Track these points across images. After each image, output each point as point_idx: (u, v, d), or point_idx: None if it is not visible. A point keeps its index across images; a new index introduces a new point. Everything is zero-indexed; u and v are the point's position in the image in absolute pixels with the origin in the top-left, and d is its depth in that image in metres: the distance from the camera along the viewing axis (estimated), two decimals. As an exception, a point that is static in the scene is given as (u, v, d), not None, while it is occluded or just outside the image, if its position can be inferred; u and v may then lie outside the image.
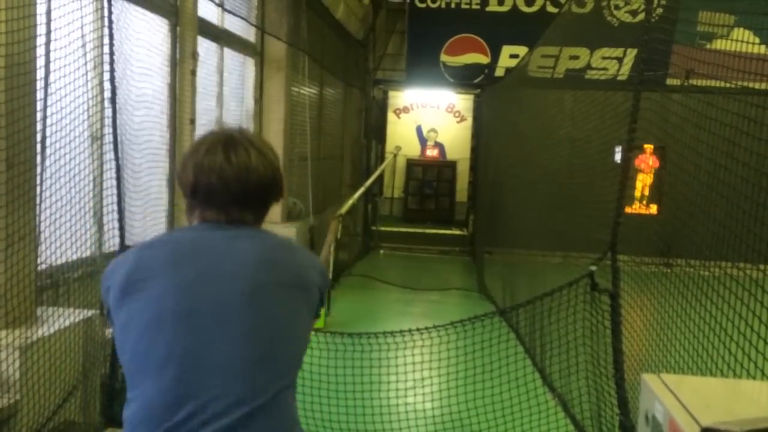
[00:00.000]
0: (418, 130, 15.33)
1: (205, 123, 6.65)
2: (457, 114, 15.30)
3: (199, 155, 1.69)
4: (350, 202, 9.63)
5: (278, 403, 1.58)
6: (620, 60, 6.72)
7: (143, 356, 1.57)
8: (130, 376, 1.60)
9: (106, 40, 4.02)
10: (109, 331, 4.20)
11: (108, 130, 4.23)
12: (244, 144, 1.70)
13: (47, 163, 3.82)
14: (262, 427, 1.54)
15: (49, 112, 3.76)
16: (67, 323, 3.77)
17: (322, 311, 6.86)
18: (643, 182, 9.71)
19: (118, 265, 1.68)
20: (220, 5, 6.72)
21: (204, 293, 1.59)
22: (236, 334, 1.57)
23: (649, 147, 8.36)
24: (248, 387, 1.54)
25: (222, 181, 1.67)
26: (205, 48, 6.53)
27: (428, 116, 15.33)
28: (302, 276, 1.70)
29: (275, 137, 8.36)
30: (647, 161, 9.47)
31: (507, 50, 12.98)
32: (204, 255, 1.65)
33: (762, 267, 2.59)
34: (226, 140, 1.71)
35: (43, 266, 3.91)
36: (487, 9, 13.25)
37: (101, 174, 4.62)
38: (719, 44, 3.10)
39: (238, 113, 7.70)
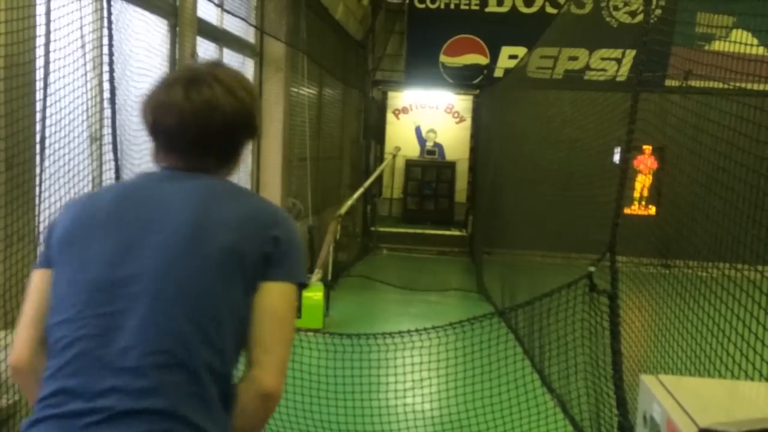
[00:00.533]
0: (417, 130, 15.33)
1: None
2: (456, 115, 15.31)
3: (160, 93, 1.58)
4: (349, 202, 9.64)
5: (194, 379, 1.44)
6: (619, 61, 6.72)
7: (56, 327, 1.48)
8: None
9: (106, 41, 4.02)
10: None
11: (107, 130, 4.23)
12: (209, 81, 1.56)
13: (46, 163, 3.82)
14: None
15: (48, 113, 3.76)
16: (66, 324, 3.77)
17: (320, 310, 6.89)
18: (642, 183, 9.72)
19: (65, 211, 1.62)
20: (220, 6, 6.72)
21: (126, 263, 1.47)
22: (148, 311, 1.44)
23: (647, 148, 8.39)
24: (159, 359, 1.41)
25: (180, 122, 1.54)
26: (205, 48, 6.53)
27: (427, 117, 15.33)
28: (236, 238, 1.50)
29: (274, 138, 8.36)
30: (646, 162, 9.48)
31: (506, 51, 12.99)
32: (137, 218, 1.52)
33: (760, 268, 2.59)
34: (189, 77, 1.58)
35: (42, 267, 3.91)
36: (486, 10, 13.26)
37: (100, 174, 4.62)
38: (718, 46, 3.10)
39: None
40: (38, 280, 1.58)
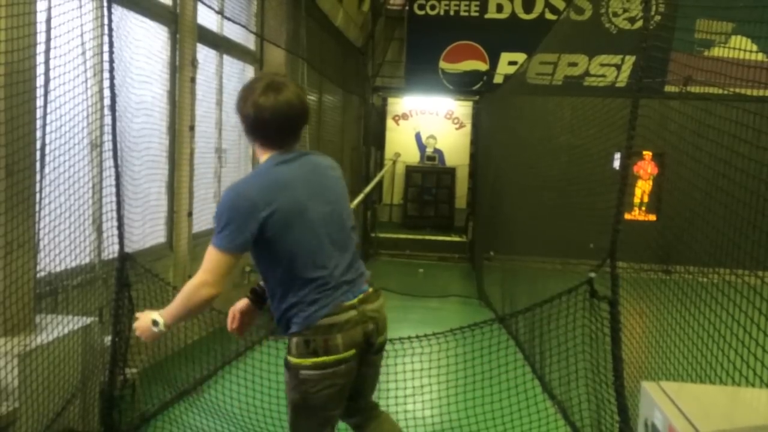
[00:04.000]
0: (417, 136, 15.35)
1: (204, 130, 6.66)
2: (456, 120, 15.33)
3: (256, 94, 2.64)
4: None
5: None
6: (618, 67, 6.74)
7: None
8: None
9: (106, 48, 4.03)
10: (107, 339, 4.19)
11: (107, 137, 4.23)
12: (288, 85, 2.68)
13: (47, 170, 3.82)
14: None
15: (48, 119, 3.76)
16: (66, 331, 3.76)
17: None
18: (642, 189, 9.72)
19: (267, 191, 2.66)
20: (220, 13, 6.74)
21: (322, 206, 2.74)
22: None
23: (647, 154, 8.39)
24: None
25: (298, 114, 2.67)
26: (205, 55, 6.54)
27: (427, 123, 15.35)
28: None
29: (274, 144, 8.35)
30: (646, 168, 9.49)
31: (505, 57, 13.02)
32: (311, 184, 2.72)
33: (760, 274, 2.59)
34: (275, 84, 2.66)
35: (42, 273, 3.91)
36: (486, 16, 13.29)
37: (101, 181, 4.62)
38: (717, 52, 3.11)
39: (237, 120, 7.70)
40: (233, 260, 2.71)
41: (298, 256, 2.61)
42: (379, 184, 13.20)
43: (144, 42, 5.22)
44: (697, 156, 3.11)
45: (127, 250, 4.28)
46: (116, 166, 4.14)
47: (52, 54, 3.80)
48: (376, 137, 14.43)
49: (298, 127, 2.71)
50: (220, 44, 7.02)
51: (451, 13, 13.39)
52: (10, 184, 3.40)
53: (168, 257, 5.90)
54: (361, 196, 10.38)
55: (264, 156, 2.69)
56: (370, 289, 2.80)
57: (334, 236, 2.71)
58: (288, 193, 2.61)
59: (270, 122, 2.61)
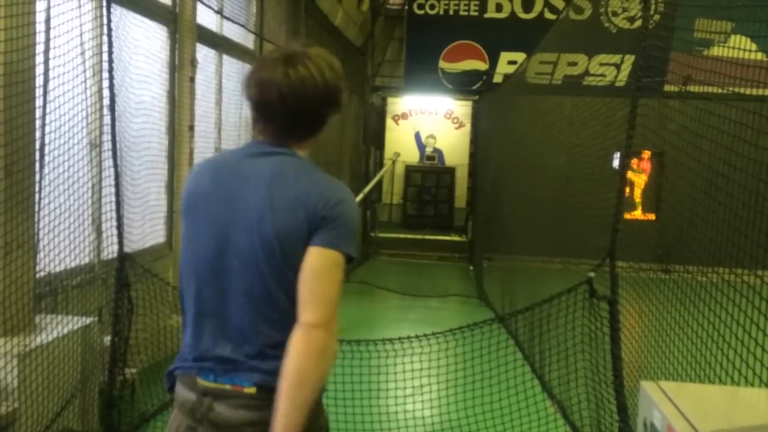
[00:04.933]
0: (417, 136, 15.35)
1: (203, 130, 6.66)
2: (455, 120, 15.32)
3: (262, 71, 1.88)
4: (349, 208, 9.62)
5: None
6: (618, 66, 6.74)
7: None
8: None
9: (105, 47, 4.03)
10: (107, 339, 4.19)
11: (107, 137, 4.23)
12: (303, 60, 1.85)
13: (46, 170, 3.82)
14: None
15: (48, 120, 3.76)
16: (65, 331, 3.76)
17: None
18: (641, 188, 9.72)
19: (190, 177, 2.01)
20: (219, 12, 6.74)
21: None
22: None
23: (646, 153, 8.39)
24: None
25: (280, 96, 1.83)
26: (204, 55, 6.54)
27: (427, 122, 15.35)
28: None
29: (274, 144, 8.36)
30: (645, 167, 9.49)
31: (505, 57, 13.01)
32: (225, 197, 1.87)
33: (760, 273, 2.59)
34: (287, 56, 1.87)
35: (42, 273, 3.91)
36: (486, 16, 13.29)
37: (100, 181, 4.62)
38: (717, 51, 3.11)
39: (237, 120, 7.71)
40: None
41: None
42: (379, 183, 13.20)
43: (143, 42, 5.22)
44: (696, 155, 3.11)
45: (127, 250, 4.28)
46: (115, 165, 4.14)
47: (51, 54, 3.80)
48: (376, 137, 14.42)
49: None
50: (220, 44, 7.02)
51: (451, 12, 13.39)
52: (10, 184, 3.40)
53: (167, 257, 5.90)
54: (360, 196, 10.38)
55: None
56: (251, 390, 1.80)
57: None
58: None
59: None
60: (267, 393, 1.75)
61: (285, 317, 1.78)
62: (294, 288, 1.78)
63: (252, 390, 1.79)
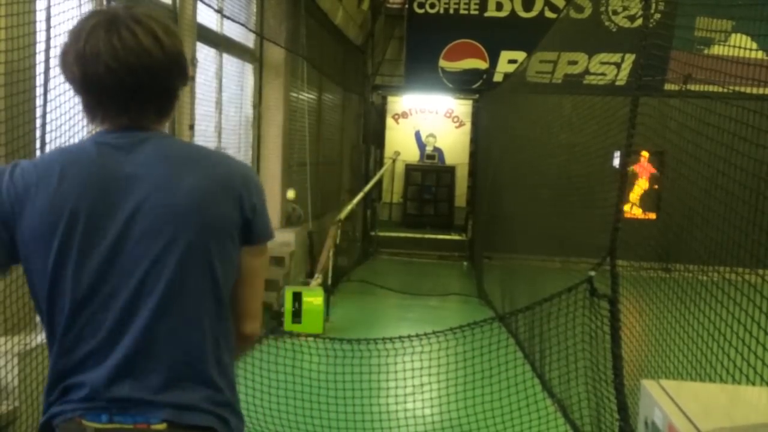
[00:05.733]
0: (417, 135, 15.35)
1: (204, 129, 6.65)
2: (455, 119, 15.32)
3: (80, 42, 1.45)
4: (349, 207, 9.64)
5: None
6: (618, 65, 6.74)
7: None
8: None
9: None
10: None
11: (107, 136, 4.23)
12: (128, 23, 1.45)
13: (46, 169, 3.81)
14: None
15: (48, 118, 3.76)
16: (66, 329, 3.76)
17: (320, 315, 6.88)
18: (641, 187, 9.72)
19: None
20: (219, 11, 6.73)
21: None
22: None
23: (645, 154, 8.40)
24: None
25: (108, 69, 1.43)
26: (204, 54, 6.54)
27: (427, 121, 15.35)
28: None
29: (274, 143, 8.37)
30: (646, 166, 9.49)
31: (505, 56, 13.01)
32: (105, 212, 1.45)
33: (760, 272, 2.59)
34: (107, 21, 1.45)
35: (42, 272, 3.90)
36: (486, 15, 13.28)
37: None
38: (717, 50, 3.11)
39: (237, 119, 7.71)
40: None
41: None
42: (379, 182, 13.20)
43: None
44: (696, 154, 3.11)
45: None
46: (116, 165, 4.13)
47: (51, 53, 3.80)
48: (376, 136, 14.42)
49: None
50: (220, 43, 7.02)
51: (451, 11, 13.38)
52: (10, 183, 3.40)
53: (168, 256, 5.89)
54: (360, 195, 10.38)
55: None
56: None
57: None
58: None
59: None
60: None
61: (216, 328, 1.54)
62: (220, 293, 1.52)
63: (161, 427, 1.45)
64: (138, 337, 1.44)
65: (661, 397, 2.11)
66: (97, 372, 1.44)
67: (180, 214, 1.46)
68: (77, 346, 1.46)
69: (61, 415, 1.47)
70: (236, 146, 7.73)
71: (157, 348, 1.45)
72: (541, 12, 12.89)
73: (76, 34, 1.47)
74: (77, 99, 1.59)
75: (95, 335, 1.45)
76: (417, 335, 4.14)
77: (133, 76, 1.45)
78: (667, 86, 4.00)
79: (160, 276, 1.45)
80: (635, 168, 8.65)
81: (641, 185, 9.62)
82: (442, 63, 13.47)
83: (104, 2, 4.05)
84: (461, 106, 15.07)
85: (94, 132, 1.58)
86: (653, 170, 9.46)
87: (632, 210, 9.02)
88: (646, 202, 9.20)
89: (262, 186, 1.65)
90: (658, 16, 4.02)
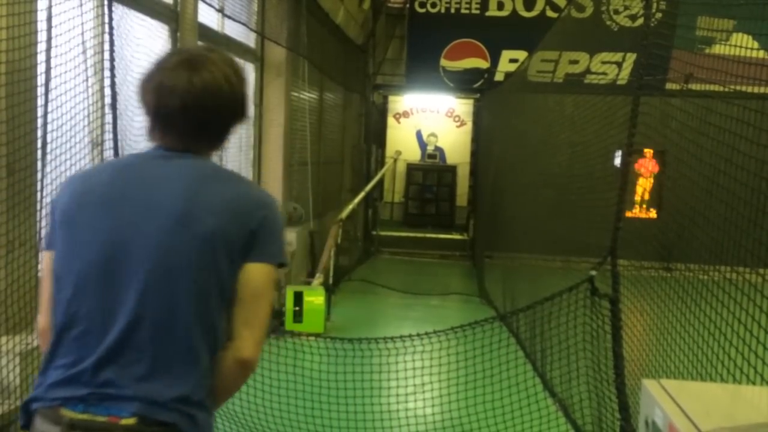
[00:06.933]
0: (418, 134, 15.34)
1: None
2: (456, 118, 15.32)
3: (162, 75, 1.65)
4: (350, 206, 9.64)
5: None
6: (619, 64, 6.73)
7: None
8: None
9: (107, 46, 4.03)
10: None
11: (108, 135, 4.24)
12: (208, 65, 1.64)
13: (48, 168, 3.82)
14: None
15: (49, 118, 3.76)
16: (67, 329, 3.76)
17: (321, 314, 6.88)
18: (643, 186, 9.71)
19: (65, 189, 1.72)
20: (220, 11, 6.73)
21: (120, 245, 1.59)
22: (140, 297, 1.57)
23: (648, 151, 8.39)
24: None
25: (183, 104, 1.62)
26: (205, 53, 6.54)
27: (428, 121, 15.34)
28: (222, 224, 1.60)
29: (275, 142, 8.37)
30: (647, 165, 9.48)
31: (507, 55, 13.00)
32: (131, 198, 1.62)
33: (761, 271, 2.59)
34: (189, 60, 1.65)
35: (44, 272, 3.91)
36: (487, 14, 13.28)
37: (101, 179, 4.61)
38: (718, 49, 3.11)
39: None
40: (47, 262, 1.69)
41: None
42: (380, 182, 13.20)
43: (145, 40, 5.22)
44: (698, 153, 3.11)
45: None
46: (117, 164, 4.14)
47: (52, 53, 3.80)
48: (377, 135, 14.42)
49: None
50: (221, 42, 7.02)
51: (452, 10, 13.37)
52: (11, 183, 3.41)
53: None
54: (362, 194, 10.38)
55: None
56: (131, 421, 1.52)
57: None
58: None
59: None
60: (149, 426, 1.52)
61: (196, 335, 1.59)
62: (212, 302, 1.58)
63: (131, 421, 1.51)
64: (125, 328, 1.55)
65: (661, 396, 2.11)
66: (87, 355, 1.55)
67: (181, 220, 1.58)
68: (73, 327, 1.59)
69: (40, 400, 1.57)
70: (237, 146, 7.74)
71: (142, 340, 1.55)
72: (543, 11, 12.89)
73: (159, 67, 1.67)
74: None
75: (91, 319, 1.58)
76: (418, 334, 4.14)
77: (201, 110, 1.64)
78: (669, 85, 4.00)
79: (149, 265, 1.57)
80: (637, 167, 8.65)
81: (642, 184, 9.61)
82: (444, 62, 13.46)
83: (105, 1, 4.05)
84: (462, 106, 15.07)
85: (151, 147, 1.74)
86: (656, 168, 9.46)
87: (641, 209, 9.03)
88: (648, 200, 9.20)
89: (279, 214, 1.71)
90: (659, 15, 4.02)
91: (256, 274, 1.62)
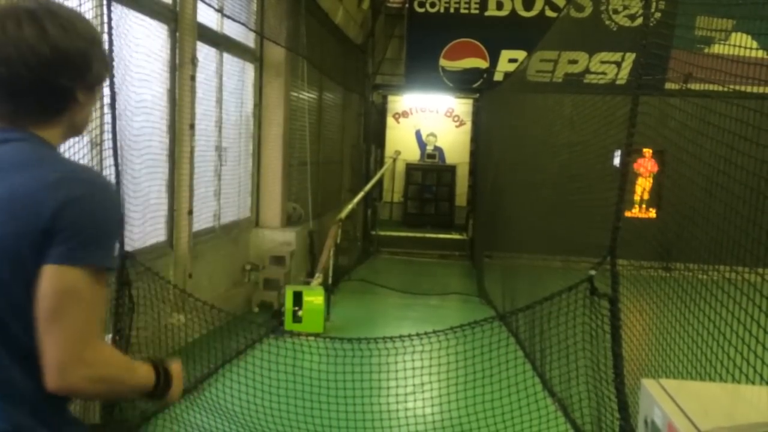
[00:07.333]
0: (418, 134, 15.35)
1: (204, 128, 6.66)
2: (456, 118, 15.32)
3: None
4: (350, 206, 9.64)
5: None
6: (619, 64, 6.73)
7: None
8: None
9: (106, 46, 4.03)
10: (108, 337, 4.20)
11: (107, 135, 4.24)
12: (20, 17, 1.36)
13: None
14: None
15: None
16: (66, 329, 3.76)
17: (321, 314, 6.89)
18: (642, 186, 9.71)
19: None
20: (220, 11, 6.73)
21: None
22: None
23: (648, 151, 8.40)
24: None
25: None
26: (205, 53, 6.54)
27: (427, 121, 15.35)
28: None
29: (274, 142, 8.37)
30: (646, 165, 9.48)
31: (506, 55, 13.00)
32: None
33: (760, 271, 2.59)
34: (5, 12, 1.37)
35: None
36: (486, 14, 13.28)
37: (101, 179, 4.61)
38: (717, 49, 3.11)
39: (237, 118, 7.71)
40: None
41: None
42: (380, 182, 13.20)
43: (144, 40, 5.22)
44: (697, 153, 3.11)
45: (128, 248, 4.28)
46: (116, 164, 4.14)
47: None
48: (376, 135, 14.43)
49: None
50: (220, 42, 7.02)
51: (451, 10, 13.38)
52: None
53: (168, 255, 5.91)
54: (361, 194, 10.38)
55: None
56: None
57: None
58: None
59: None
60: None
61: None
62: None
63: None
64: None
65: (660, 396, 2.12)
66: None
67: None
68: None
69: None
70: (236, 145, 7.74)
71: None
72: (542, 11, 12.89)
73: None
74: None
75: None
76: (417, 334, 4.14)
77: (8, 67, 1.34)
78: (668, 85, 4.00)
79: None
80: (637, 167, 8.66)
81: (642, 184, 9.62)
82: (443, 62, 13.47)
83: (104, 1, 4.05)
84: (462, 105, 15.07)
85: None
86: (655, 168, 9.46)
87: (640, 209, 9.03)
88: (647, 200, 9.21)
89: (109, 204, 1.41)
90: (658, 15, 4.02)
91: (52, 278, 1.29)
